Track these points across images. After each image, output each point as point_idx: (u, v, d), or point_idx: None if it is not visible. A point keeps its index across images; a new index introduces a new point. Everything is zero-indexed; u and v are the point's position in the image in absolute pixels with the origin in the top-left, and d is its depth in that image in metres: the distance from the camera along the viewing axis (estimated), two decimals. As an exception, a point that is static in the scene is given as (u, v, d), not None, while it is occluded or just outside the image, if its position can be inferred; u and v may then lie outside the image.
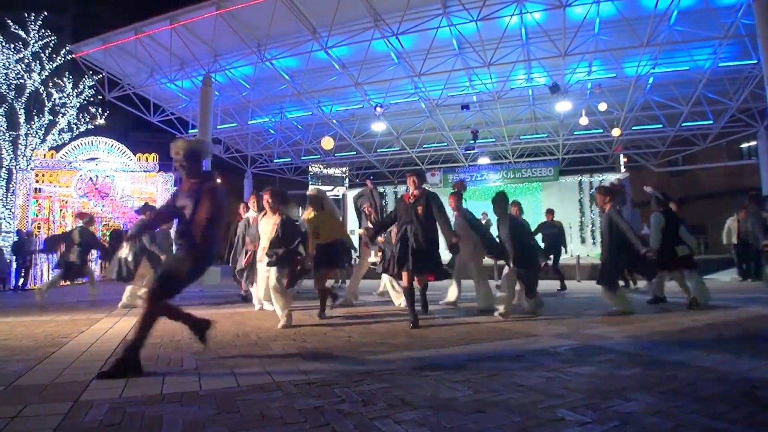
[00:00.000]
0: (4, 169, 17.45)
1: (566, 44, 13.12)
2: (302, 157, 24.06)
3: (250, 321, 5.65)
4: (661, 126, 19.10)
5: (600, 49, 14.01)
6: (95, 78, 17.39)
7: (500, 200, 6.00)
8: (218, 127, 19.83)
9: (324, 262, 5.98)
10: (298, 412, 2.30)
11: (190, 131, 20.03)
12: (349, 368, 3.22)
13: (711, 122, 18.53)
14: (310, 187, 6.10)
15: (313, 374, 3.08)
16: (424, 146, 22.63)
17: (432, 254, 5.30)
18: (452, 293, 6.96)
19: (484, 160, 22.60)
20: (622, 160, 22.36)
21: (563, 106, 16.63)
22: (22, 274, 13.44)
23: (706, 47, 14.07)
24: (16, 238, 13.65)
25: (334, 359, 3.52)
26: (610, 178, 19.35)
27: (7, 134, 16.45)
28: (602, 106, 16.49)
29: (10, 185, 16.26)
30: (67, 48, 17.02)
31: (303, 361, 3.49)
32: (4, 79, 16.88)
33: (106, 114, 19.48)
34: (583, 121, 17.40)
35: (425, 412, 2.30)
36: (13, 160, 16.66)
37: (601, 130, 19.38)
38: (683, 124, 18.55)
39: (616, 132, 17.90)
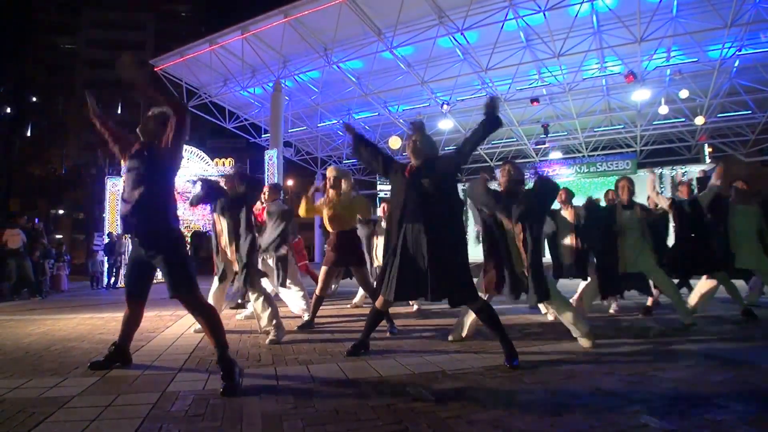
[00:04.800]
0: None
1: (642, 29, 12.42)
2: (371, 157, 24.23)
3: (322, 318, 5.71)
4: (749, 112, 17.65)
5: (679, 32, 13.12)
6: (175, 90, 18.45)
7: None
8: (289, 131, 20.40)
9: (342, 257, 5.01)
10: (371, 409, 2.33)
11: (262, 136, 20.79)
12: (422, 367, 3.21)
13: (807, 106, 16.90)
14: (330, 168, 4.94)
15: (385, 371, 3.10)
16: (492, 142, 22.12)
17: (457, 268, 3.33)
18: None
19: (556, 155, 21.81)
20: (707, 150, 20.85)
21: (640, 95, 15.73)
22: (113, 274, 14.48)
23: (798, 24, 12.86)
24: (107, 240, 14.71)
25: (405, 357, 3.53)
26: (694, 169, 18.22)
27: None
28: (683, 94, 15.42)
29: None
30: (149, 63, 18.16)
31: (374, 358, 3.52)
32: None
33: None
34: (663, 110, 16.41)
35: (499, 413, 2.26)
36: (105, 167, 17.98)
37: (683, 119, 18.14)
38: (775, 109, 17.06)
39: (699, 120, 16.75)
